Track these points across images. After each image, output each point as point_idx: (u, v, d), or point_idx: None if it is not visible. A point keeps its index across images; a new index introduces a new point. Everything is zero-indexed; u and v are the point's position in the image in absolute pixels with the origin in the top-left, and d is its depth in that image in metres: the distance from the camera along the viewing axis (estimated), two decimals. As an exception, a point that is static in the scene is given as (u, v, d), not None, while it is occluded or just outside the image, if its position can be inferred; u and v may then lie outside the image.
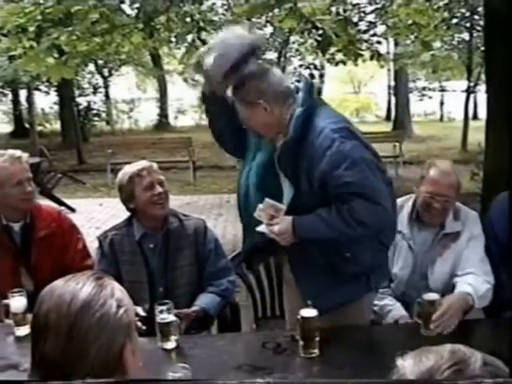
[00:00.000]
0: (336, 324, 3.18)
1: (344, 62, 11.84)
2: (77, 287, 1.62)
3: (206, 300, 3.66)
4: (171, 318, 3.06)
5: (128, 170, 3.70)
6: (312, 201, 3.06)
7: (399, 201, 3.64)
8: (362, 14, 13.06)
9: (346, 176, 2.95)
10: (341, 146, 2.97)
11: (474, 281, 3.42)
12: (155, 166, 3.76)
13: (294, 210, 3.07)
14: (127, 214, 3.82)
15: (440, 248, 3.64)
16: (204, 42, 10.96)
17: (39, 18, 8.48)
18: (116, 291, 1.66)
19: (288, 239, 3.05)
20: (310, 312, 2.92)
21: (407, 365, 1.29)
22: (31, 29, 8.70)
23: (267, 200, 3.08)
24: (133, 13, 10.27)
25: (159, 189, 3.64)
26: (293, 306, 3.30)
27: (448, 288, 3.56)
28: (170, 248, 3.72)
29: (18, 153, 3.69)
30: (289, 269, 3.36)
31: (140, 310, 3.26)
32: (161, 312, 3.06)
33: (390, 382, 1.28)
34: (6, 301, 3.29)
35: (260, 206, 3.08)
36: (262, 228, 3.11)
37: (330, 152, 2.95)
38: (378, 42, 12.58)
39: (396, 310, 3.59)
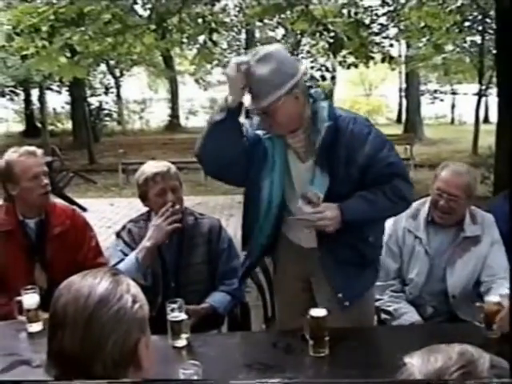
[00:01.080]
0: (349, 317, 3.26)
1: (356, 65, 11.83)
2: (94, 282, 1.66)
3: (215, 298, 3.69)
4: (182, 316, 3.08)
5: (146, 170, 3.73)
6: (347, 187, 3.13)
7: (415, 205, 3.66)
8: (374, 17, 13.03)
9: (390, 157, 3.20)
10: (378, 131, 3.25)
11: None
12: (173, 170, 3.76)
13: (329, 198, 3.12)
14: (138, 213, 3.85)
15: (460, 251, 3.65)
16: (215, 44, 11.01)
17: (52, 17, 8.52)
18: (131, 287, 1.70)
19: (336, 225, 3.07)
20: (319, 312, 2.93)
21: (415, 363, 1.31)
22: (44, 28, 8.75)
23: (311, 189, 3.10)
24: (145, 13, 10.30)
25: (171, 197, 3.66)
26: (322, 300, 3.34)
27: (466, 293, 3.62)
28: (185, 245, 3.76)
29: (32, 148, 3.73)
30: (317, 265, 3.36)
31: None
32: (172, 310, 3.08)
33: (396, 381, 1.29)
34: (18, 298, 3.30)
35: (304, 195, 3.08)
36: (306, 216, 3.09)
37: (372, 137, 3.15)
38: (390, 45, 12.58)
39: (410, 314, 3.61)
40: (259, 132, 3.19)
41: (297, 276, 3.49)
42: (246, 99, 3.05)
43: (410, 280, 3.71)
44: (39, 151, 3.74)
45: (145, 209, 3.84)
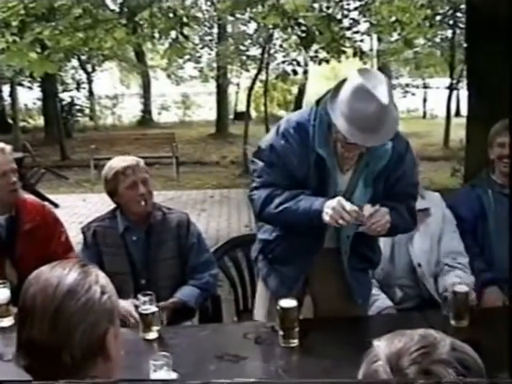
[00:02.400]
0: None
1: (327, 61, 11.88)
2: (63, 272, 1.68)
3: (184, 292, 3.71)
4: (153, 308, 3.09)
5: (114, 164, 3.73)
6: (381, 199, 3.13)
7: None
8: (346, 12, 13.08)
9: (416, 178, 3.38)
10: (411, 149, 3.30)
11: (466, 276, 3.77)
12: (142, 163, 3.78)
13: None
14: (110, 209, 3.86)
15: None
16: (187, 38, 10.99)
17: (22, 12, 8.46)
18: (100, 278, 1.72)
19: (388, 225, 3.05)
20: (289, 302, 2.96)
21: (381, 345, 1.35)
22: (14, 23, 8.67)
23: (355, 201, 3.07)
24: (116, 8, 10.25)
25: (142, 189, 3.69)
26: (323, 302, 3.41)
27: (429, 263, 3.84)
28: (153, 241, 3.77)
29: (0, 145, 3.68)
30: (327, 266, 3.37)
31: (132, 309, 3.33)
32: (143, 303, 3.09)
33: (386, 381, 1.32)
34: (-12, 293, 3.30)
35: (356, 208, 2.97)
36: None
37: (408, 155, 3.23)
38: (361, 40, 12.63)
39: (381, 301, 3.71)
40: (319, 150, 3.07)
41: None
42: (352, 134, 2.90)
43: None
44: (8, 148, 3.70)
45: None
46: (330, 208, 2.95)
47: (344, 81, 2.98)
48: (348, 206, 2.93)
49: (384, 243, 3.75)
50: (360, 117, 2.83)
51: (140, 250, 3.76)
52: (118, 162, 3.74)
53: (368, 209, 2.99)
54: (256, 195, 3.26)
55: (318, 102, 3.12)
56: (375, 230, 3.03)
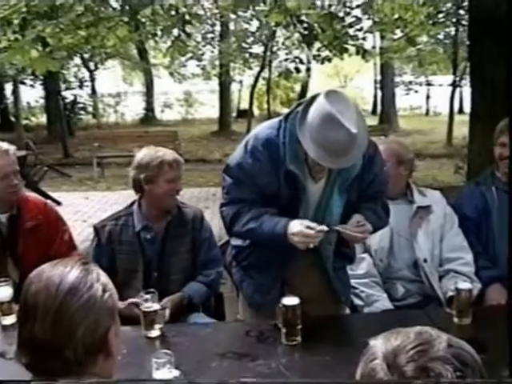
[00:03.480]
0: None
1: (329, 60, 11.85)
2: (65, 270, 1.69)
3: (192, 288, 3.73)
4: (156, 306, 3.09)
5: (159, 154, 3.73)
6: (355, 204, 3.21)
7: None
8: (348, 9, 13.05)
9: (385, 176, 3.41)
10: (379, 150, 3.34)
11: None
12: (182, 161, 3.84)
13: (345, 215, 3.18)
14: (113, 207, 3.85)
15: (418, 220, 3.91)
16: (189, 36, 10.98)
17: (24, 10, 8.46)
18: (101, 276, 1.73)
19: (368, 235, 3.14)
20: (292, 300, 2.96)
21: (378, 343, 1.36)
22: (16, 21, 8.68)
23: (330, 208, 3.15)
24: (118, 6, 10.24)
25: (179, 185, 3.78)
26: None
27: (434, 259, 3.86)
28: (170, 235, 3.80)
29: (5, 145, 3.67)
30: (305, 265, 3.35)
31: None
32: (145, 300, 3.09)
33: (388, 382, 1.32)
34: (-9, 291, 3.30)
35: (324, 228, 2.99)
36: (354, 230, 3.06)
37: (377, 157, 3.28)
38: (363, 39, 12.60)
39: (381, 302, 3.70)
40: (291, 167, 3.06)
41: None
42: (321, 158, 2.92)
43: (375, 251, 3.87)
44: (12, 149, 3.69)
45: (119, 201, 3.83)
46: (295, 238, 2.96)
47: (313, 99, 2.97)
48: (317, 227, 2.96)
49: (382, 235, 3.79)
50: (329, 144, 2.85)
51: (155, 246, 3.78)
52: (162, 153, 3.73)
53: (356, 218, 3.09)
54: (225, 212, 3.28)
55: (286, 116, 3.11)
56: (357, 240, 3.18)
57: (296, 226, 2.96)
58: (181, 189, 3.81)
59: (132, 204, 3.85)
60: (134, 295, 3.40)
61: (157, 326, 3.08)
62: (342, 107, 2.84)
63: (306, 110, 2.96)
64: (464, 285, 3.24)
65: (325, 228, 2.96)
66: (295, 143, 3.02)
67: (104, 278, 1.74)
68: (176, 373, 2.49)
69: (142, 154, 3.77)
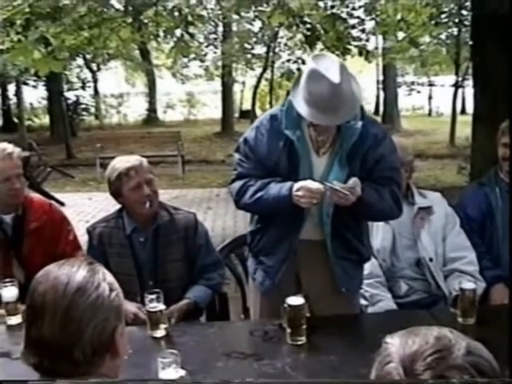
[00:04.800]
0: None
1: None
2: (72, 270, 1.69)
3: (196, 293, 3.69)
4: (161, 306, 3.10)
5: (117, 165, 3.66)
6: (362, 182, 3.18)
7: None
8: (351, 10, 13.05)
9: (396, 163, 3.38)
10: (391, 138, 3.43)
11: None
12: (145, 163, 3.70)
13: None
14: (116, 207, 3.84)
15: (420, 221, 3.92)
16: (192, 36, 10.98)
17: (27, 10, 8.46)
18: (107, 276, 1.74)
19: (354, 198, 3.07)
20: (297, 300, 2.97)
21: (395, 344, 1.34)
22: (19, 22, 8.67)
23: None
24: (121, 7, 10.24)
25: (146, 190, 3.63)
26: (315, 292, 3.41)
27: (438, 259, 3.87)
28: (160, 243, 3.73)
29: (9, 148, 3.66)
30: (314, 259, 3.41)
31: (138, 310, 3.36)
32: (150, 301, 3.10)
33: (390, 382, 1.32)
34: (-3, 291, 3.31)
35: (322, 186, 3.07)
36: (340, 187, 3.06)
37: (386, 141, 3.31)
38: (366, 40, 12.61)
39: (385, 302, 3.72)
40: (286, 132, 3.19)
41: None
42: (311, 115, 3.06)
43: (377, 251, 3.87)
44: (16, 151, 3.68)
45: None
46: (299, 192, 3.08)
47: None
48: (315, 186, 3.06)
49: (384, 235, 3.84)
50: (315, 98, 3.00)
51: (147, 252, 3.72)
52: (120, 163, 3.67)
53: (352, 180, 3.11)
54: (232, 187, 3.42)
55: (289, 91, 3.27)
56: (342, 198, 3.08)
57: (300, 186, 3.08)
58: (151, 193, 3.66)
59: (123, 208, 3.82)
60: (130, 300, 3.39)
61: (162, 326, 3.09)
62: (327, 64, 3.00)
63: (299, 76, 3.14)
64: (468, 285, 3.25)
65: (321, 186, 3.05)
66: (294, 112, 3.15)
67: (110, 277, 1.75)
68: (182, 372, 2.50)
69: (107, 169, 3.76)
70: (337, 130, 3.19)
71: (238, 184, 3.37)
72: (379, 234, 3.87)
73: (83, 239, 3.99)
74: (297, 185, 3.09)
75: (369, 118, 3.34)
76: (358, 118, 3.19)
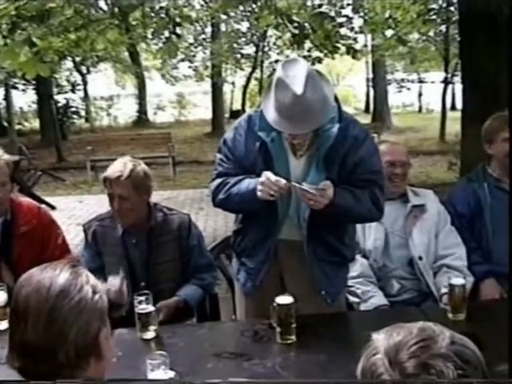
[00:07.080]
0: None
1: (320, 60, 11.87)
2: (54, 273, 1.69)
3: (188, 291, 3.69)
4: (150, 308, 3.09)
5: (107, 171, 3.66)
6: (339, 185, 3.18)
7: None
8: (338, 9, 13.07)
9: (377, 165, 3.34)
10: (372, 138, 3.46)
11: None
12: (124, 176, 3.56)
13: None
14: (107, 209, 3.83)
15: (413, 219, 3.92)
16: (180, 37, 10.97)
17: (13, 13, 8.42)
18: (90, 278, 1.73)
19: (325, 201, 3.05)
20: (286, 299, 2.96)
21: (380, 338, 1.36)
22: (4, 26, 8.65)
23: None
24: (108, 9, 10.23)
25: (115, 205, 3.61)
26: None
27: (429, 257, 3.86)
28: (153, 243, 3.73)
29: None
30: (296, 260, 3.40)
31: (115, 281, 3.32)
32: (140, 303, 3.08)
33: (387, 381, 1.32)
34: (-15, 296, 3.29)
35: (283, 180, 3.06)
36: (310, 189, 3.04)
37: (367, 143, 3.28)
38: (354, 39, 12.61)
39: (377, 297, 3.72)
40: (260, 133, 3.19)
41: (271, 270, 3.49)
42: (276, 123, 3.06)
43: (369, 251, 3.88)
44: (3, 160, 3.60)
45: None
46: (260, 184, 3.08)
47: None
48: (273, 178, 3.05)
49: (376, 234, 3.84)
50: (280, 106, 2.99)
51: (139, 252, 3.72)
52: (109, 168, 3.67)
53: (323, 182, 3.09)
54: (211, 185, 3.49)
55: None
56: (311, 200, 3.07)
57: (263, 173, 3.10)
58: (118, 209, 3.61)
59: None
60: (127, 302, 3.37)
61: (151, 328, 3.07)
62: (295, 71, 2.97)
63: (271, 81, 3.11)
64: (457, 280, 3.25)
65: (283, 181, 3.04)
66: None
67: (93, 280, 1.74)
68: (171, 374, 2.49)
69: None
70: (314, 133, 3.15)
71: (216, 182, 3.42)
72: (372, 233, 3.87)
73: (75, 241, 3.98)
74: (262, 177, 3.09)
75: (349, 119, 3.29)
76: (336, 120, 3.16)
